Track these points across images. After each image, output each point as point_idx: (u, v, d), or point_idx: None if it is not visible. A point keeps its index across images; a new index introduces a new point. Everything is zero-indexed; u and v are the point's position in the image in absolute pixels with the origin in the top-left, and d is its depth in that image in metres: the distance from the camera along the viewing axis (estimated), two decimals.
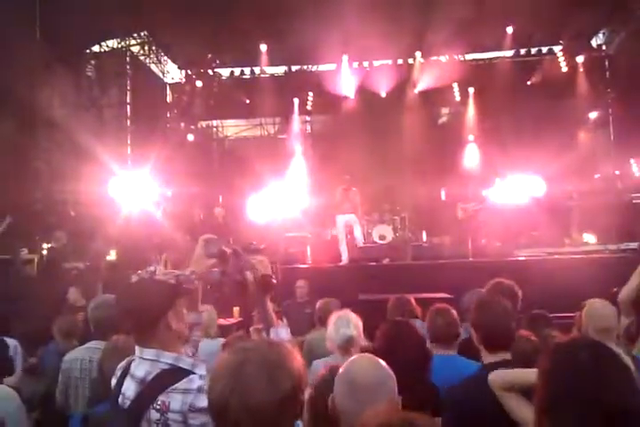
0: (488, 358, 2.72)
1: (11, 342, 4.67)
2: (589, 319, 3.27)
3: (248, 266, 2.03)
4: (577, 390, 1.78)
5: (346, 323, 3.47)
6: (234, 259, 2.06)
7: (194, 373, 1.88)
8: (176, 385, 1.80)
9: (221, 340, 4.69)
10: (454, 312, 3.62)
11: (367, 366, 2.01)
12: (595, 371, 1.78)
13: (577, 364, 1.81)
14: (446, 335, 3.37)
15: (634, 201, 10.85)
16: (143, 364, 1.91)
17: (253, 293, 2.06)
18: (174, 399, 1.78)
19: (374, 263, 10.32)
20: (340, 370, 2.04)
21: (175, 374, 1.85)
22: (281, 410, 1.44)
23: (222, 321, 5.06)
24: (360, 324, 3.55)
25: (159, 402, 1.79)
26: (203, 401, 1.74)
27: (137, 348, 1.96)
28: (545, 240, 11.32)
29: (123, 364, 2.03)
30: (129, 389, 1.90)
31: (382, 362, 2.03)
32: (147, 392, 1.84)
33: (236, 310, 7.34)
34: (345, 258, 10.50)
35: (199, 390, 1.78)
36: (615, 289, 5.42)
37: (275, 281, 2.08)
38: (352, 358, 2.12)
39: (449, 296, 6.12)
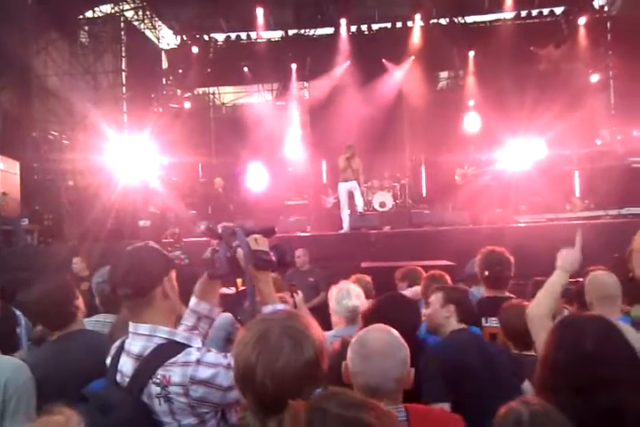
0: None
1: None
2: (592, 288, 3.29)
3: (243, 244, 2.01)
4: (578, 374, 1.84)
5: (346, 294, 3.48)
6: (227, 237, 2.06)
7: (190, 346, 1.89)
8: (174, 359, 1.81)
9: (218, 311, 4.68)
10: (448, 278, 3.67)
11: (379, 333, 2.05)
12: (598, 359, 1.84)
13: (581, 348, 1.87)
14: None
15: (633, 165, 10.77)
16: (138, 339, 1.91)
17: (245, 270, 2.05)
18: (174, 373, 1.78)
19: (375, 231, 10.32)
20: (353, 339, 2.05)
21: (172, 348, 1.86)
22: (304, 375, 1.51)
23: (225, 290, 5.06)
24: (361, 292, 3.57)
25: (159, 376, 1.79)
26: (203, 373, 1.77)
27: (130, 324, 1.94)
28: (546, 206, 11.29)
29: (117, 343, 2.03)
30: (125, 365, 1.91)
31: (396, 332, 2.04)
32: (145, 367, 1.84)
33: (239, 281, 7.39)
34: (346, 226, 10.50)
35: (198, 362, 1.80)
36: (616, 255, 5.45)
37: (274, 258, 2.06)
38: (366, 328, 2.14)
39: (450, 263, 6.11)
